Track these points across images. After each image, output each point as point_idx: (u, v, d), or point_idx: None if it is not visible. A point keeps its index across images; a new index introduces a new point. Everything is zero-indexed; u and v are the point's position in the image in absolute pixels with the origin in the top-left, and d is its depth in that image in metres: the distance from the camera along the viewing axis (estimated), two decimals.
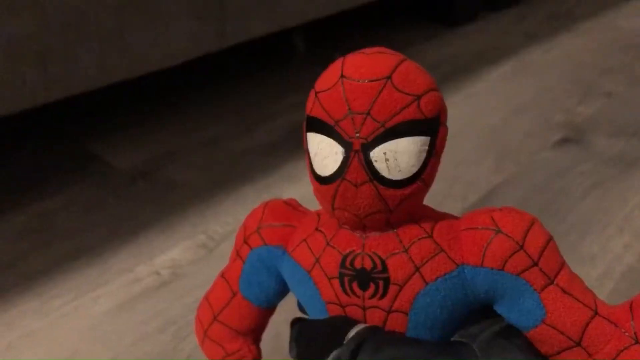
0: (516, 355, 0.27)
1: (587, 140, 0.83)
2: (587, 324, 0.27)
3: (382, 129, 0.26)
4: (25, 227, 0.65)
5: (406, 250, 0.28)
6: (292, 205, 0.33)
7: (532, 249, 0.27)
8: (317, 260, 0.30)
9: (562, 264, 0.28)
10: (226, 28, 0.77)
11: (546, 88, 0.97)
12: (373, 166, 0.27)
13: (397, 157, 0.27)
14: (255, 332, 0.35)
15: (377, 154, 0.27)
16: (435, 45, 1.12)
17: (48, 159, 0.78)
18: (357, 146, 0.27)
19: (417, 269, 0.28)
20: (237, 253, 0.33)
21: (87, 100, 0.76)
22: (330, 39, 1.06)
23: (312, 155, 0.28)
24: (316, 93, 0.28)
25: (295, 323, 0.32)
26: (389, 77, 0.27)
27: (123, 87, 0.76)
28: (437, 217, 0.30)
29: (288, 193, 0.70)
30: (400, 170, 0.27)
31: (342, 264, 0.29)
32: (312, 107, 0.28)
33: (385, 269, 0.28)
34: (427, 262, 0.28)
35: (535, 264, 0.27)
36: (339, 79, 0.27)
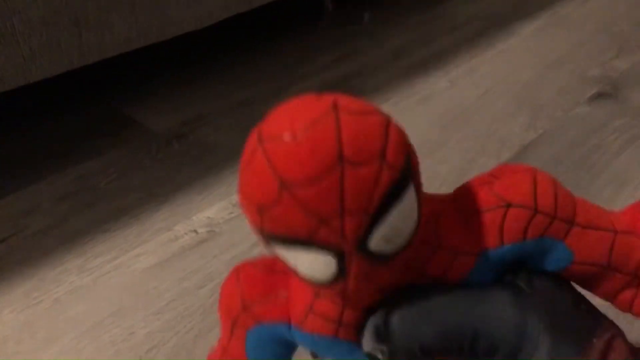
0: (557, 280, 0.28)
1: (623, 94, 0.81)
2: (612, 246, 0.28)
3: (367, 219, 0.22)
4: (66, 190, 0.67)
5: (424, 274, 0.26)
6: (267, 269, 0.29)
7: (546, 206, 0.26)
8: (340, 324, 0.27)
9: (574, 202, 0.28)
10: None
11: (581, 42, 0.95)
12: (376, 254, 0.23)
13: (397, 229, 0.23)
14: None
15: (376, 242, 0.22)
16: (467, 0, 1.10)
17: (86, 124, 0.79)
18: (350, 249, 0.22)
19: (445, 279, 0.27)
20: (231, 333, 0.30)
21: (121, 65, 0.78)
22: None
23: (292, 265, 0.24)
24: (259, 209, 0.22)
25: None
26: (341, 157, 0.21)
27: (156, 51, 0.77)
28: (436, 211, 0.27)
29: None
30: (404, 236, 0.23)
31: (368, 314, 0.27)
32: (263, 225, 0.22)
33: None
34: (447, 270, 0.27)
35: (554, 218, 0.27)
36: (280, 189, 0.21)
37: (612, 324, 0.27)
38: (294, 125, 0.21)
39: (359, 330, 0.27)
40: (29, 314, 0.53)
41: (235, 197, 0.65)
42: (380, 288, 0.26)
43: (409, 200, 0.23)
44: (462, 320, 0.25)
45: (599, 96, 0.81)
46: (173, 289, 0.54)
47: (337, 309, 0.27)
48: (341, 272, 0.23)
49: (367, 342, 0.26)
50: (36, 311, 0.53)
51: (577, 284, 0.29)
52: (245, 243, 0.59)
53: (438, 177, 0.65)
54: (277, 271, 0.29)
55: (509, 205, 0.26)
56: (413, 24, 1.02)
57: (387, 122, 0.22)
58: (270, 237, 0.23)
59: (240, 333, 0.30)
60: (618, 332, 0.27)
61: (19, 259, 0.58)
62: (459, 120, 0.77)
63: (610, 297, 0.29)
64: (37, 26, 0.58)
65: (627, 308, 0.29)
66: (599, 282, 0.29)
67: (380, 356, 0.26)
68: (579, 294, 0.28)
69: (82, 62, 0.65)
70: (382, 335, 0.25)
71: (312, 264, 0.23)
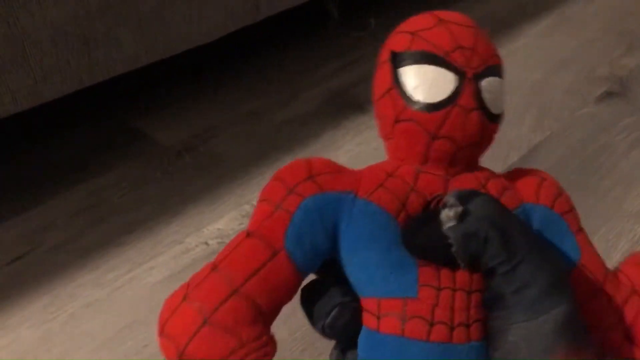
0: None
1: (631, 93, 0.81)
2: (606, 274, 0.32)
3: (485, 65, 0.30)
4: (79, 205, 0.69)
5: (484, 186, 0.30)
6: (337, 165, 0.31)
7: (567, 197, 0.32)
8: (404, 206, 0.28)
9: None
10: (260, 0, 0.77)
11: (589, 40, 0.95)
12: (481, 96, 0.30)
13: (495, 91, 0.30)
14: (275, 314, 0.29)
15: (485, 85, 0.30)
16: (474, 1, 1.10)
17: (97, 139, 0.81)
18: (470, 74, 0.29)
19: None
20: (278, 206, 0.28)
21: (131, 80, 0.79)
22: (363, 4, 1.06)
23: (411, 86, 0.29)
24: (412, 32, 0.30)
25: (309, 292, 0.31)
26: (478, 28, 0.31)
27: (165, 65, 0.78)
28: (492, 173, 0.33)
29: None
30: (496, 105, 0.31)
31: (427, 207, 0.29)
32: (412, 43, 0.30)
33: None
34: (501, 196, 0.30)
35: (573, 209, 0.32)
36: (439, 22, 0.30)
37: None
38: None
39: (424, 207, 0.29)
40: (45, 329, 0.54)
41: (245, 208, 0.66)
42: (455, 150, 0.30)
43: (501, 84, 0.31)
44: (523, 240, 0.27)
45: (607, 95, 0.81)
46: None
47: (406, 189, 0.29)
48: (455, 95, 0.29)
49: (450, 197, 0.28)
50: (53, 326, 0.54)
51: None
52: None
53: None
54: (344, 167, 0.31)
55: (544, 179, 0.32)
56: None
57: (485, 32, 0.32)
58: (409, 55, 0.30)
59: (294, 202, 0.28)
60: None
61: (35, 274, 0.60)
62: None
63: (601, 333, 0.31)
64: (47, 48, 0.60)
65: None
66: (595, 305, 0.31)
67: (445, 218, 0.27)
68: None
69: (92, 81, 0.66)
70: (465, 200, 0.27)
71: (437, 79, 0.29)
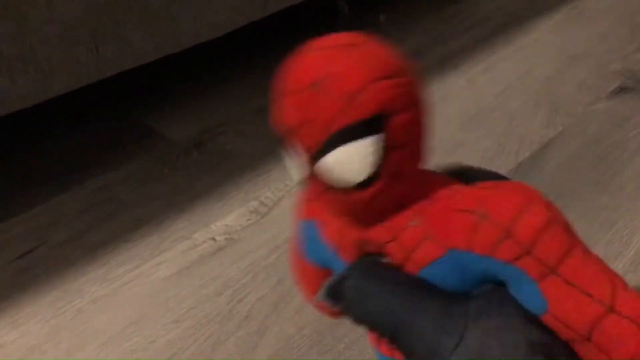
0: (509, 308, 0.27)
1: None
2: (598, 321, 0.25)
3: (322, 141, 0.25)
4: (88, 201, 0.69)
5: (396, 239, 0.28)
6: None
7: (522, 236, 0.25)
8: (339, 246, 0.31)
9: (569, 251, 0.25)
10: None
11: (601, 35, 0.94)
12: (326, 175, 0.26)
13: (345, 165, 0.25)
14: None
15: (325, 165, 0.26)
16: None
17: (106, 135, 0.81)
18: (307, 159, 0.26)
19: (408, 256, 0.28)
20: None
21: (140, 76, 0.79)
22: (373, 0, 1.05)
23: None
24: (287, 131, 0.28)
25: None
26: (318, 83, 0.25)
27: (174, 61, 0.78)
28: (435, 191, 0.28)
29: None
30: (352, 176, 0.26)
31: (359, 248, 0.30)
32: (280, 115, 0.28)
33: (386, 254, 0.29)
34: (416, 249, 0.27)
35: (529, 253, 0.25)
36: (283, 89, 0.27)
37: None
38: (318, 44, 0.28)
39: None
40: (53, 324, 0.54)
41: (252, 204, 0.66)
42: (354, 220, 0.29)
43: (365, 145, 0.25)
44: (392, 316, 0.27)
45: (621, 90, 0.80)
46: (192, 297, 0.55)
47: (338, 226, 0.31)
48: (304, 180, 0.28)
49: (322, 295, 0.30)
50: (60, 321, 0.54)
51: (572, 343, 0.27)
52: (263, 250, 0.59)
53: None
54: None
55: (484, 216, 0.26)
56: (429, 24, 1.02)
57: (385, 76, 0.25)
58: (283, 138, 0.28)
59: (297, 222, 0.34)
60: None
61: (44, 270, 0.60)
62: (477, 119, 0.76)
63: None
64: (55, 43, 0.60)
65: None
66: (588, 354, 0.26)
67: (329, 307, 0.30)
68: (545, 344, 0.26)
69: (100, 76, 0.66)
70: (332, 294, 0.29)
71: (295, 162, 0.27)
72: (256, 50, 0.98)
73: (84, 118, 0.84)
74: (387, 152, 0.26)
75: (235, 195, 0.68)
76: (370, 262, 0.29)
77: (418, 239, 0.27)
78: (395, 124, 0.25)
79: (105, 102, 0.87)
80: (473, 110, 0.78)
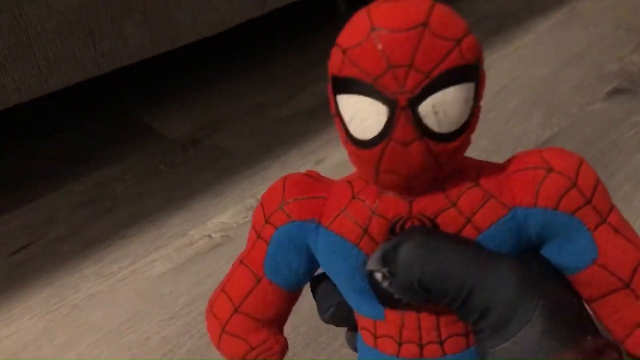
0: (566, 281, 0.27)
1: None
2: (639, 264, 0.27)
3: (427, 80, 0.24)
4: (84, 197, 0.68)
5: (454, 205, 0.27)
6: (314, 177, 0.30)
7: (585, 186, 0.26)
8: (365, 231, 0.28)
9: (613, 205, 0.27)
10: None
11: (598, 37, 0.94)
12: (422, 122, 0.24)
13: (446, 108, 0.24)
14: (281, 320, 0.32)
15: (426, 108, 0.24)
16: None
17: (102, 131, 0.81)
18: (403, 102, 0.24)
19: (469, 220, 0.27)
20: (258, 235, 0.30)
21: (137, 73, 0.79)
22: None
23: (347, 119, 0.26)
24: (344, 50, 0.25)
25: (316, 284, 0.31)
26: (426, 24, 0.24)
27: (171, 58, 0.77)
28: (480, 164, 0.28)
29: (333, 156, 0.71)
30: (450, 123, 0.25)
31: (392, 231, 0.27)
32: (342, 67, 0.25)
33: (436, 227, 0.27)
34: (477, 211, 0.27)
35: (589, 202, 0.26)
36: (370, 31, 0.24)
37: (609, 340, 0.26)
38: None
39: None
40: (48, 320, 0.54)
41: (249, 201, 0.66)
42: (406, 181, 0.26)
43: (465, 91, 0.25)
44: (464, 271, 0.25)
45: (617, 92, 0.80)
46: (188, 294, 0.55)
47: (367, 214, 0.27)
48: (387, 129, 0.25)
49: (372, 261, 0.27)
50: (55, 317, 0.54)
51: (590, 303, 0.28)
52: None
53: None
54: (323, 180, 0.30)
55: (551, 169, 0.27)
56: None
57: (469, 32, 0.25)
58: (342, 81, 0.25)
59: (268, 232, 0.30)
60: (614, 345, 0.26)
61: (39, 265, 0.59)
62: None
63: (625, 330, 0.27)
64: (52, 38, 0.60)
65: (638, 349, 0.27)
66: (616, 305, 0.27)
67: (380, 278, 0.26)
68: (583, 304, 0.27)
69: (98, 72, 0.66)
70: (388, 259, 0.26)
71: (367, 112, 0.25)
72: (253, 47, 0.98)
73: (79, 114, 0.84)
74: (475, 105, 0.25)
75: (232, 192, 0.68)
76: (422, 228, 0.27)
77: (479, 202, 0.27)
78: (482, 77, 0.26)
79: (101, 98, 0.87)
80: None
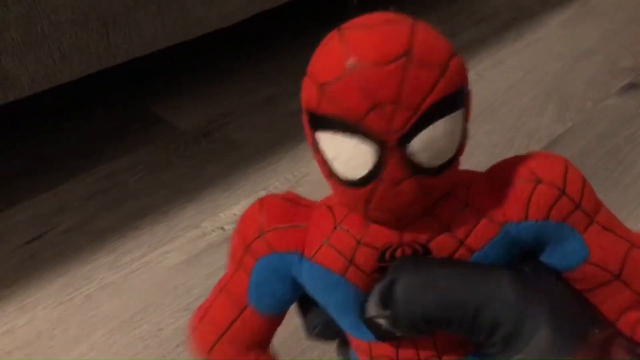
0: (561, 277, 0.28)
1: None
2: (626, 256, 0.27)
3: (416, 116, 0.22)
4: (96, 188, 0.69)
5: (447, 229, 0.26)
6: (292, 201, 0.29)
7: (573, 192, 0.26)
8: (351, 262, 0.27)
9: (600, 203, 0.27)
10: None
11: (612, 31, 0.93)
12: (413, 159, 0.23)
13: (438, 142, 0.23)
14: (268, 340, 0.31)
15: (417, 145, 0.23)
16: None
17: (114, 123, 0.81)
18: (392, 142, 0.23)
19: (462, 243, 0.26)
20: (238, 265, 0.29)
21: (149, 64, 0.79)
22: None
23: (329, 157, 0.24)
24: (320, 85, 0.23)
25: (301, 304, 0.30)
26: (408, 52, 0.22)
27: (183, 50, 0.77)
28: (469, 178, 0.27)
29: None
30: (442, 156, 0.24)
31: (381, 258, 0.26)
32: (319, 103, 0.23)
33: (428, 252, 0.26)
34: (470, 233, 0.26)
35: (578, 206, 0.26)
36: (348, 65, 0.22)
37: (612, 326, 0.27)
38: (372, 20, 0.23)
39: (363, 298, 0.27)
40: (61, 310, 0.54)
41: (260, 194, 0.66)
42: (400, 217, 0.25)
43: (455, 121, 0.24)
44: (466, 294, 0.25)
45: (631, 87, 0.79)
46: (200, 285, 0.55)
47: (352, 244, 0.26)
48: (377, 170, 0.23)
49: (371, 307, 0.26)
50: (68, 307, 0.54)
51: (584, 293, 0.28)
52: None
53: None
54: (302, 204, 0.29)
55: (539, 181, 0.26)
56: (439, 17, 1.01)
57: (454, 53, 0.23)
58: (321, 119, 0.23)
59: (249, 263, 0.28)
60: (619, 332, 0.26)
61: (52, 256, 0.60)
62: (487, 114, 0.76)
63: (614, 316, 0.28)
64: (66, 29, 0.60)
65: (630, 331, 0.28)
66: (606, 295, 0.28)
67: (383, 323, 0.26)
68: (582, 295, 0.28)
69: (110, 63, 0.66)
70: (386, 302, 0.25)
71: (353, 153, 0.23)
72: (265, 40, 0.98)
73: (91, 105, 0.84)
74: (464, 129, 0.25)
75: (243, 184, 0.68)
76: (413, 258, 0.26)
77: (472, 223, 0.26)
78: (469, 98, 0.25)
79: (113, 89, 0.87)
80: (482, 105, 0.78)
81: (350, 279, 0.27)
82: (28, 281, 0.57)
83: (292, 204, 0.28)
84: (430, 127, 0.23)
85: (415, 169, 0.24)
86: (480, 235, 0.26)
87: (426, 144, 0.23)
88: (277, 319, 0.30)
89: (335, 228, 0.27)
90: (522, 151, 0.70)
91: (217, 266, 0.57)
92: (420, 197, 0.25)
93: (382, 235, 0.26)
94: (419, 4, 1.04)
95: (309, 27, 1.00)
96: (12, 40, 0.57)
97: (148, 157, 0.73)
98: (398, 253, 0.26)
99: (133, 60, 0.69)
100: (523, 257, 0.28)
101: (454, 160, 0.25)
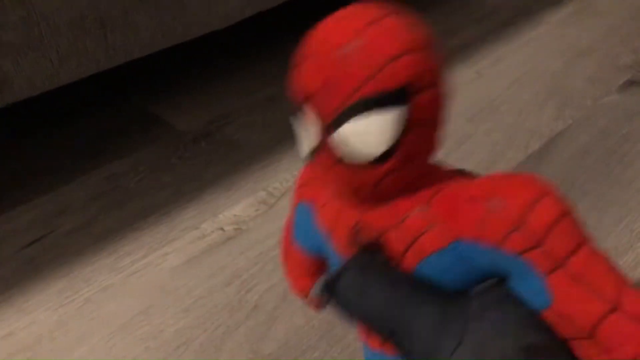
0: (508, 307, 0.26)
1: None
2: (603, 318, 0.24)
3: (345, 106, 0.24)
4: (96, 190, 0.69)
5: (400, 224, 0.27)
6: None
7: (536, 227, 0.24)
8: (333, 229, 0.30)
9: (580, 245, 0.24)
10: None
11: (612, 28, 0.93)
12: (340, 147, 0.25)
13: (362, 136, 0.24)
14: (319, 271, 0.36)
15: (343, 133, 0.24)
16: None
17: (114, 124, 0.81)
18: (324, 127, 0.25)
19: (411, 244, 0.26)
20: (293, 207, 0.35)
21: (148, 65, 0.78)
22: None
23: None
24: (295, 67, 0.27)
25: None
26: (353, 46, 0.24)
27: (182, 50, 0.77)
28: (443, 182, 0.27)
29: None
30: (369, 149, 0.25)
31: (355, 232, 0.29)
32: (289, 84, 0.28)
33: (383, 244, 0.27)
34: (419, 237, 0.26)
35: (539, 244, 0.24)
36: (306, 53, 0.26)
37: None
38: (349, 11, 0.26)
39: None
40: (62, 312, 0.54)
41: (260, 194, 0.66)
42: (358, 199, 0.28)
43: (389, 117, 0.24)
44: (388, 313, 0.27)
45: (631, 84, 0.79)
46: (201, 287, 0.55)
47: (334, 216, 0.30)
48: (313, 152, 0.27)
49: (316, 287, 0.33)
50: (69, 310, 0.54)
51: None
52: (272, 240, 0.59)
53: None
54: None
55: (502, 204, 0.25)
56: (438, 15, 1.01)
57: (413, 50, 0.24)
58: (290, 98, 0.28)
59: (293, 207, 0.35)
60: None
61: (52, 258, 0.60)
62: (487, 112, 0.76)
63: None
64: (64, 31, 0.60)
65: None
66: (581, 351, 0.25)
67: (323, 302, 0.31)
68: (545, 335, 0.25)
69: (109, 65, 0.65)
70: (328, 288, 0.30)
71: (302, 132, 0.27)
72: (264, 40, 0.98)
73: (91, 107, 0.84)
74: (406, 129, 0.25)
75: (244, 185, 0.68)
76: (367, 259, 0.28)
77: (424, 226, 0.26)
78: (419, 100, 0.25)
79: (112, 90, 0.87)
80: (482, 102, 0.78)
81: (334, 242, 0.30)
82: (28, 284, 0.57)
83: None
84: (355, 120, 0.24)
85: (342, 156, 0.25)
86: (429, 242, 0.26)
87: (352, 134, 0.24)
88: (313, 258, 0.35)
89: (331, 196, 0.30)
90: (522, 149, 0.70)
91: (217, 267, 0.57)
92: (354, 182, 0.26)
93: (352, 213, 0.29)
94: (419, 4, 1.04)
95: (310, 27, 1.00)
96: (9, 43, 0.57)
97: (148, 159, 0.73)
98: (363, 234, 0.28)
99: (132, 62, 0.69)
100: (498, 283, 0.26)
101: (387, 156, 0.25)
